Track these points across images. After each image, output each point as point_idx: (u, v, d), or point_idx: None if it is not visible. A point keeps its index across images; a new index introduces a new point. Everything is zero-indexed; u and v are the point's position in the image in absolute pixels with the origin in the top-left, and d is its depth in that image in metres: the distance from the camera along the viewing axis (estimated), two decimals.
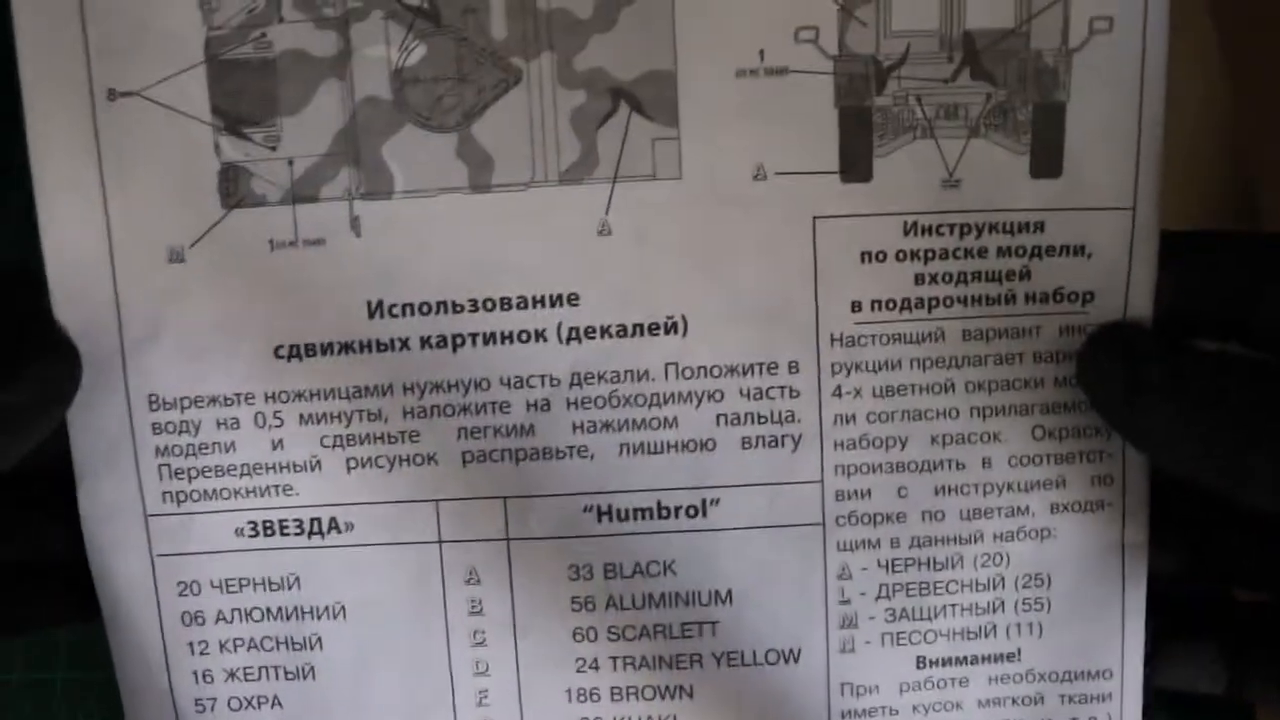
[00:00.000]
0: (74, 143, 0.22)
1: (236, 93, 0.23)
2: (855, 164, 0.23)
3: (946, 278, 0.23)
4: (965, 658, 0.24)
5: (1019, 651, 0.24)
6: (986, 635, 0.24)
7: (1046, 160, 0.23)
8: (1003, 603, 0.24)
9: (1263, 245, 0.24)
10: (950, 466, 0.23)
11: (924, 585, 0.24)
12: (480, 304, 0.23)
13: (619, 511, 0.24)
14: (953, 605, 0.24)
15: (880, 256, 0.23)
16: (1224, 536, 0.24)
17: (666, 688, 0.24)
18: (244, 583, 0.24)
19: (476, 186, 0.23)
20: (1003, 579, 0.24)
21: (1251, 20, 0.27)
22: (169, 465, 0.23)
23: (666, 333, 0.23)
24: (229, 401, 0.23)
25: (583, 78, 0.23)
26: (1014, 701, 0.24)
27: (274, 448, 0.23)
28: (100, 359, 0.23)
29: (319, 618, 0.24)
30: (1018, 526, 0.23)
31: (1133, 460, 0.23)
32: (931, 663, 0.24)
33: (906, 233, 0.23)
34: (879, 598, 0.24)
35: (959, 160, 0.23)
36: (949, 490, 0.23)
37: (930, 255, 0.23)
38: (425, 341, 0.23)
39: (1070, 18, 0.22)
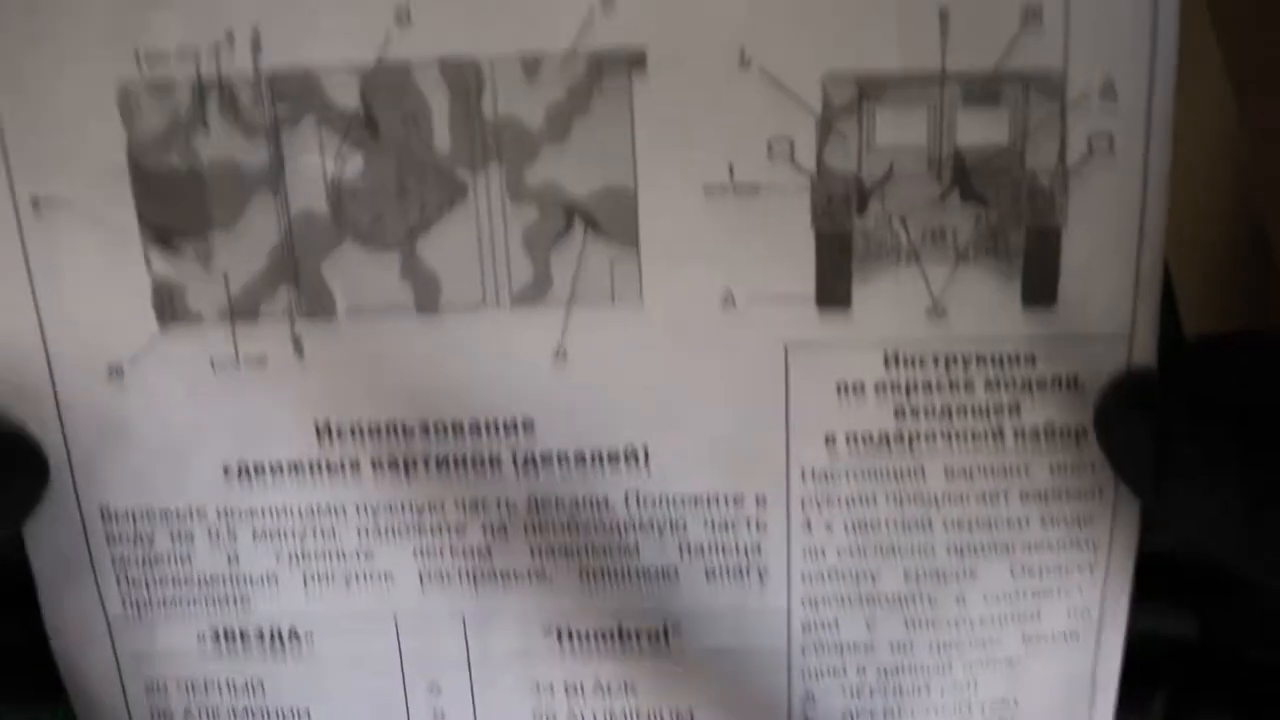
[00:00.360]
0: (2, 254, 0.21)
1: (164, 204, 0.21)
2: (833, 290, 0.21)
3: (930, 412, 0.21)
4: None
5: None
6: None
7: (1040, 288, 0.21)
8: None
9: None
10: (922, 601, 0.22)
11: (889, 710, 0.23)
12: (432, 428, 0.22)
13: (580, 633, 0.23)
14: None
15: (858, 389, 0.21)
16: (1235, 603, 0.23)
17: None
18: (209, 685, 0.24)
19: (423, 308, 0.21)
20: (969, 704, 0.23)
21: (1264, 63, 0.24)
22: (126, 574, 0.23)
23: (627, 462, 0.22)
24: (181, 516, 0.23)
25: (534, 192, 0.21)
26: None
27: (230, 561, 0.23)
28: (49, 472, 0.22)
29: (284, 719, 0.24)
30: (988, 656, 0.23)
31: (1111, 592, 0.22)
32: None
33: (887, 364, 0.21)
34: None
35: (946, 287, 0.21)
36: (919, 624, 0.22)
37: (913, 388, 0.21)
38: (376, 465, 0.22)
39: (1068, 135, 0.20)
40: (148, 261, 0.21)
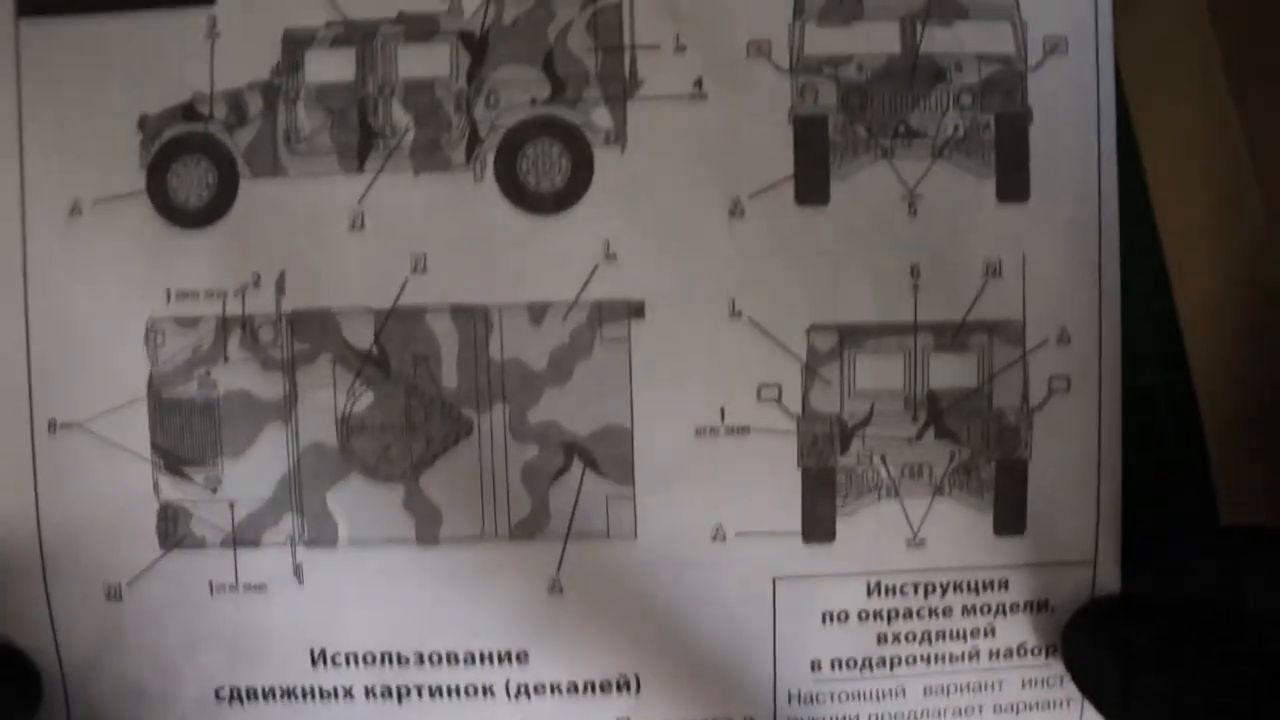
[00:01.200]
0: (10, 473, 0.22)
1: (178, 432, 0.22)
2: (818, 525, 0.22)
3: (910, 637, 0.22)
4: None
5: None
6: None
7: (1010, 517, 0.22)
8: None
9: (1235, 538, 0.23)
10: None
11: None
12: (426, 658, 0.22)
13: None
14: None
15: (842, 617, 0.22)
16: None
17: None
18: None
19: (424, 540, 0.22)
20: None
21: (1264, 63, 0.25)
22: None
23: (619, 691, 0.22)
24: None
25: (535, 431, 0.22)
26: None
27: None
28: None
29: None
30: None
31: None
32: None
33: (870, 593, 0.22)
34: None
35: (924, 520, 0.22)
36: None
37: (894, 615, 0.22)
38: (369, 692, 0.22)
39: (1029, 377, 0.22)
40: (156, 487, 0.22)
